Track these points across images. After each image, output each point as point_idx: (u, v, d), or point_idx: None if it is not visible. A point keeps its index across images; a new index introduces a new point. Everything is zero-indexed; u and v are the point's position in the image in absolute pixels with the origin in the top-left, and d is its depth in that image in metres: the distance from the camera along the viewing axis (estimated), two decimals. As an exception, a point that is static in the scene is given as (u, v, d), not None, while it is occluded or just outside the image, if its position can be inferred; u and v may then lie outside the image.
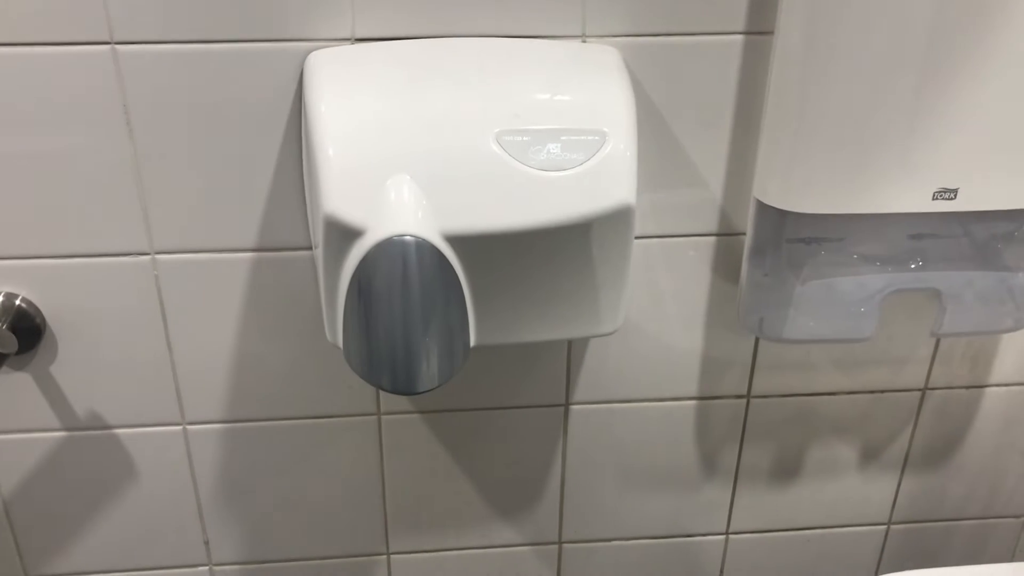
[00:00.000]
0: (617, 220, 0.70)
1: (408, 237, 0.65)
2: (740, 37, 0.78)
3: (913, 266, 0.84)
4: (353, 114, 0.68)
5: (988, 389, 0.99)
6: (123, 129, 0.76)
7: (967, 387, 0.99)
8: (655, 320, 0.90)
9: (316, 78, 0.71)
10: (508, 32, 0.75)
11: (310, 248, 0.82)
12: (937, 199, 0.77)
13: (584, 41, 0.76)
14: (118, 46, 0.73)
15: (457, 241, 0.67)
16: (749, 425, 0.98)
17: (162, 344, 0.85)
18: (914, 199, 0.77)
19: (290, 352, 0.87)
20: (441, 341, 0.69)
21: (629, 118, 0.70)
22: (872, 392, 0.97)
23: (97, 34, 0.72)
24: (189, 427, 0.90)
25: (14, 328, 0.81)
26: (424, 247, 0.66)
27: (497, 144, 0.67)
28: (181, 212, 0.79)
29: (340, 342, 0.72)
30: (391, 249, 0.66)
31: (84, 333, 0.84)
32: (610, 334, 0.78)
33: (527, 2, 0.74)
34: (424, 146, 0.67)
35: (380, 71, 0.72)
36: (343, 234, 0.66)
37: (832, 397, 0.97)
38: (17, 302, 0.82)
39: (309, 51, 0.74)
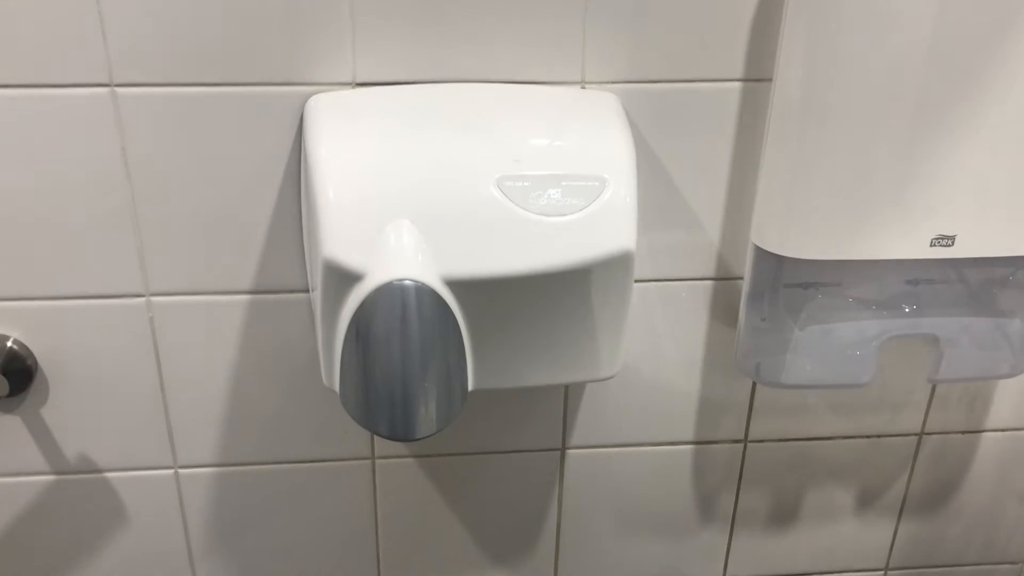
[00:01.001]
0: (617, 266, 0.69)
1: (408, 281, 0.65)
2: (738, 84, 0.78)
3: (909, 311, 0.84)
4: (353, 158, 0.68)
5: (985, 434, 0.99)
6: (121, 170, 0.75)
7: (964, 432, 0.98)
8: (652, 364, 0.89)
9: (317, 122, 0.71)
10: (508, 77, 0.76)
11: (307, 291, 0.82)
12: (935, 246, 0.77)
13: (583, 87, 0.77)
14: (118, 88, 0.73)
15: (457, 285, 0.67)
16: (746, 469, 0.97)
17: (155, 387, 0.84)
18: (912, 246, 0.77)
19: (284, 395, 0.86)
20: (440, 387, 0.68)
21: (629, 164, 0.70)
22: (869, 437, 0.97)
23: (97, 76, 0.72)
24: (181, 471, 0.89)
25: (5, 370, 0.80)
26: (424, 292, 0.65)
27: (497, 189, 0.67)
28: (177, 254, 0.79)
29: (337, 386, 0.72)
30: (390, 293, 0.65)
31: (76, 375, 0.83)
32: (608, 379, 0.77)
33: (527, 48, 0.75)
34: (424, 190, 0.67)
35: (381, 116, 0.72)
36: (342, 278, 0.66)
37: (829, 442, 0.97)
38: (9, 344, 0.81)
39: (310, 95, 0.74)
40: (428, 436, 0.68)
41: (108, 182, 0.76)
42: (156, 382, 0.84)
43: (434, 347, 0.67)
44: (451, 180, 0.68)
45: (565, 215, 0.67)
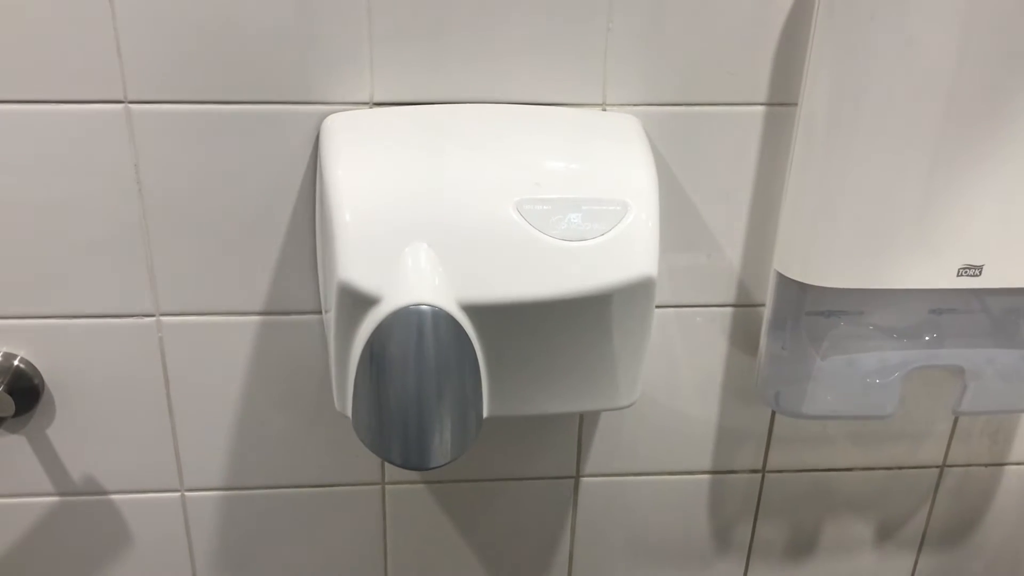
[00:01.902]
0: (638, 292, 0.68)
1: (424, 306, 0.64)
2: (762, 108, 0.77)
3: (932, 341, 0.82)
4: (371, 180, 0.67)
5: (1008, 467, 0.97)
6: (133, 187, 0.74)
7: (986, 465, 0.96)
8: (670, 392, 0.88)
9: (333, 142, 0.70)
10: (528, 99, 0.74)
11: (319, 312, 0.80)
12: (962, 275, 0.76)
13: (604, 109, 0.75)
14: (132, 105, 0.71)
15: (474, 311, 0.65)
16: (764, 500, 0.95)
17: (163, 408, 0.83)
18: (938, 275, 0.76)
19: (294, 418, 0.85)
20: (455, 415, 0.66)
21: (651, 188, 0.69)
22: (889, 468, 0.95)
23: (111, 93, 0.71)
24: (188, 494, 0.87)
25: (11, 389, 0.79)
26: (441, 316, 0.64)
27: (517, 213, 0.66)
28: (188, 273, 0.78)
29: (349, 411, 0.70)
30: (407, 318, 0.64)
31: (83, 395, 0.81)
32: (626, 407, 0.75)
33: (548, 69, 0.73)
34: (442, 213, 0.66)
35: (399, 136, 0.70)
36: (357, 301, 0.65)
37: (848, 473, 0.95)
38: (15, 362, 0.80)
39: (326, 114, 0.73)
40: (442, 465, 0.66)
41: (120, 199, 0.75)
42: (164, 404, 0.83)
43: (450, 373, 0.65)
44: (470, 203, 0.66)
45: (586, 240, 0.66)
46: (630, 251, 0.67)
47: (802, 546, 0.99)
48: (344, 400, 0.70)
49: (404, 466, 0.67)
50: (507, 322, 0.67)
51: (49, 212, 0.74)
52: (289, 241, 0.77)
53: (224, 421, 0.84)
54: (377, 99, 0.73)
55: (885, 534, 0.99)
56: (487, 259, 0.65)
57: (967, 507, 0.99)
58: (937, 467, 0.96)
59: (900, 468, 0.95)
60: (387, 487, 0.89)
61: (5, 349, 0.79)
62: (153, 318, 0.79)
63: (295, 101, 0.73)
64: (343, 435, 0.86)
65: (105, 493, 0.86)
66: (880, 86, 0.69)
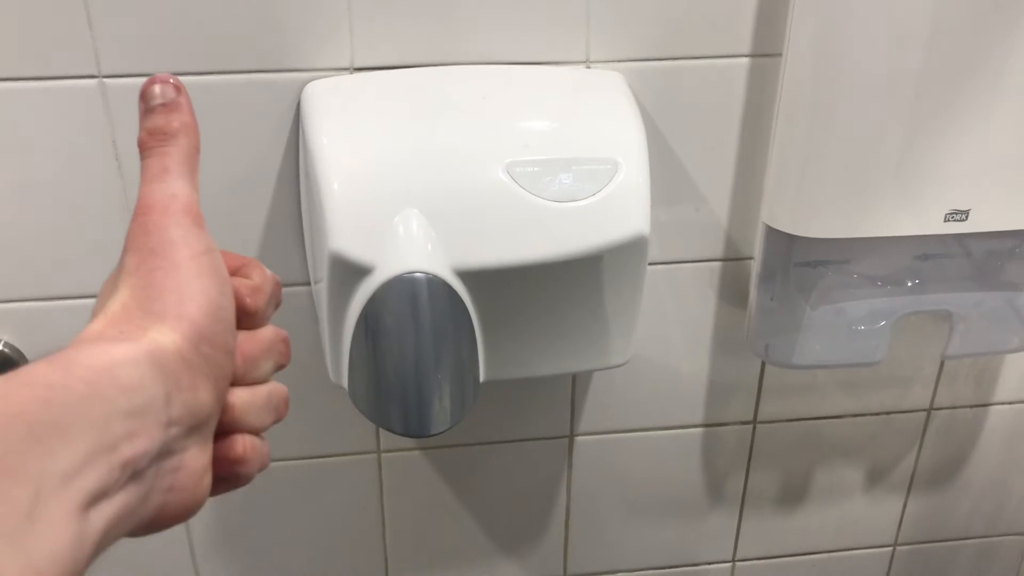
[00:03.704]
0: (631, 250, 0.68)
1: (419, 274, 0.63)
2: (746, 60, 0.76)
3: (919, 287, 0.83)
4: (357, 147, 0.66)
5: (992, 407, 0.98)
6: (112, 164, 0.73)
7: (972, 406, 0.98)
8: (660, 348, 0.88)
9: (316, 110, 0.69)
10: (511, 59, 0.73)
11: (307, 284, 0.80)
12: (948, 221, 0.76)
13: (588, 66, 0.75)
14: (106, 80, 0.70)
15: (468, 276, 0.65)
16: (755, 451, 0.96)
17: (153, 386, 0.82)
18: (926, 221, 0.76)
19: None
20: (453, 380, 0.66)
21: (640, 145, 0.68)
22: (878, 414, 0.96)
23: (84, 67, 0.69)
24: (181, 471, 0.86)
25: (-3, 375, 0.77)
26: (435, 283, 0.63)
27: (507, 175, 0.65)
28: (173, 250, 0.76)
29: (345, 383, 0.70)
30: (401, 286, 0.63)
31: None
32: (620, 366, 0.76)
33: (530, 28, 0.72)
34: (432, 179, 0.65)
35: (382, 102, 0.69)
36: (350, 272, 0.64)
37: (838, 420, 0.96)
38: (0, 347, 0.78)
39: (306, 82, 0.71)
40: (443, 431, 0.66)
41: (99, 176, 0.73)
42: (154, 381, 0.81)
43: (447, 340, 0.65)
44: (459, 167, 0.66)
45: (578, 200, 0.65)
46: (622, 210, 0.66)
47: (794, 494, 1.00)
48: (339, 371, 0.70)
49: (405, 434, 0.67)
50: (501, 286, 0.66)
51: (27, 193, 0.73)
52: (273, 214, 0.76)
53: (215, 397, 0.83)
54: (357, 64, 0.72)
55: (875, 479, 1.00)
56: (479, 223, 0.65)
57: (954, 448, 1.00)
58: (924, 411, 0.97)
59: (888, 413, 0.96)
60: (383, 455, 0.89)
61: (-12, 334, 0.78)
62: (138, 296, 0.78)
63: (273, 69, 0.71)
64: (336, 405, 0.85)
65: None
66: (863, 34, 0.69)
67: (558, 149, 0.67)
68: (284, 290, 0.79)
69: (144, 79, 0.69)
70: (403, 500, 0.92)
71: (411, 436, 0.66)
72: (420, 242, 0.64)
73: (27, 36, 0.67)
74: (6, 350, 0.78)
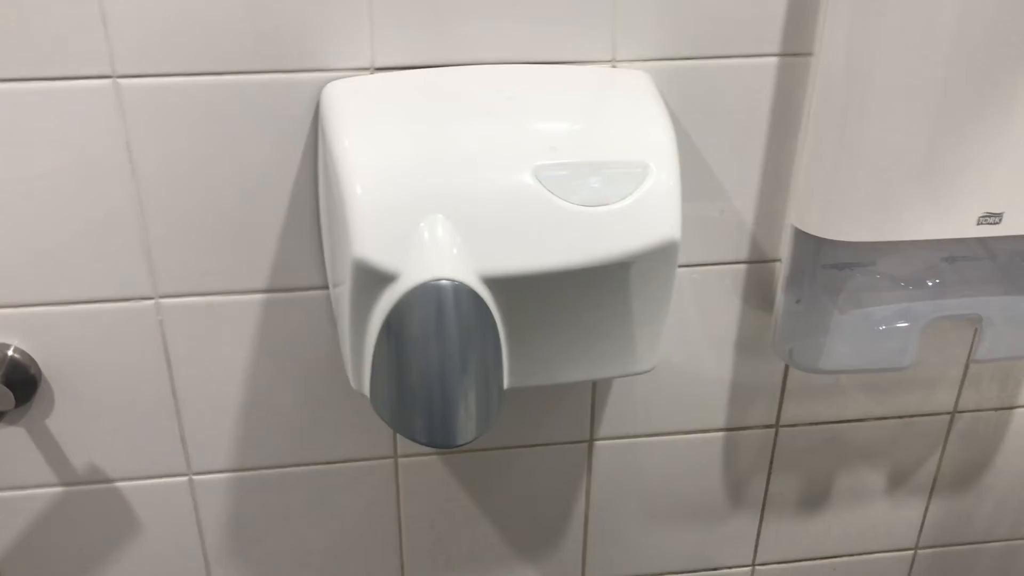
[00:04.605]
0: (661, 256, 0.66)
1: (444, 281, 0.61)
2: (775, 59, 0.74)
3: (945, 289, 0.81)
4: (380, 150, 0.64)
5: (1017, 410, 0.97)
6: (125, 167, 0.71)
7: (996, 409, 0.96)
8: (683, 352, 0.86)
9: (336, 111, 0.67)
10: (534, 58, 0.72)
11: (324, 288, 0.78)
12: (981, 224, 0.74)
13: (614, 66, 0.73)
14: (120, 80, 0.68)
15: (495, 283, 0.63)
16: (777, 454, 0.95)
17: (167, 392, 0.80)
18: (958, 225, 0.74)
19: (302, 396, 0.82)
20: (479, 390, 0.64)
21: (670, 148, 0.66)
22: (902, 417, 0.95)
23: (98, 68, 0.67)
24: (195, 477, 0.85)
25: (7, 381, 0.76)
26: (462, 291, 0.62)
27: (535, 179, 0.63)
28: (187, 253, 0.75)
29: (366, 390, 0.68)
30: (427, 294, 0.61)
31: (83, 383, 0.79)
32: (645, 373, 0.74)
33: (555, 26, 0.71)
34: (457, 183, 0.63)
35: (405, 103, 0.67)
36: (374, 278, 0.62)
37: (861, 423, 0.94)
38: (10, 353, 0.77)
39: (325, 82, 0.69)
40: (468, 443, 0.65)
41: (112, 179, 0.71)
42: (168, 387, 0.80)
43: (473, 349, 0.63)
44: (485, 171, 0.64)
45: (607, 205, 0.63)
46: (653, 214, 0.65)
47: (815, 498, 0.98)
48: (360, 378, 0.68)
49: (429, 444, 0.65)
50: (528, 292, 0.65)
51: (38, 195, 0.71)
52: (291, 216, 0.74)
53: (230, 402, 0.82)
54: (378, 64, 0.70)
55: (897, 482, 0.99)
56: (506, 229, 0.63)
57: (976, 451, 0.99)
58: (948, 413, 0.95)
59: (912, 416, 0.95)
60: (400, 460, 0.87)
61: (-2, 339, 0.76)
62: (152, 301, 0.76)
63: (292, 69, 0.69)
64: (353, 410, 0.84)
65: (110, 481, 0.84)
66: (898, 34, 0.67)
67: (586, 152, 0.65)
68: (301, 294, 0.78)
69: (160, 79, 0.68)
70: (420, 506, 0.90)
71: (436, 447, 0.65)
72: (446, 248, 0.62)
73: (40, 35, 0.65)
74: (16, 355, 0.77)
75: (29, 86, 0.67)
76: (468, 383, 0.63)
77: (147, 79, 0.68)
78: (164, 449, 0.83)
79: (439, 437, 0.64)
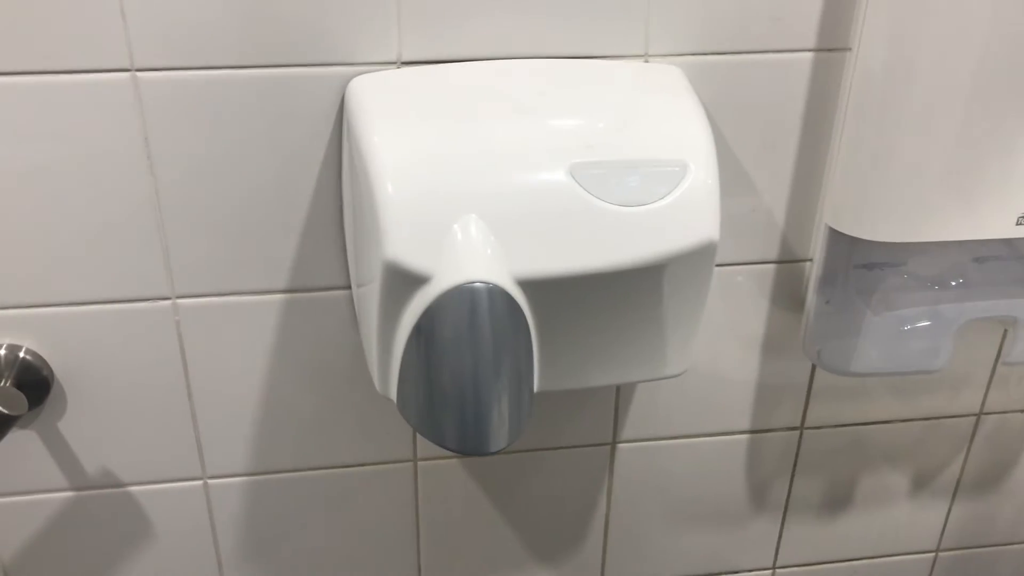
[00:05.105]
0: (699, 258, 0.64)
1: (479, 284, 0.59)
2: (810, 54, 0.72)
3: (974, 290, 0.80)
4: (411, 147, 0.62)
5: (1043, 412, 0.96)
6: (143, 162, 0.69)
7: (1023, 411, 0.95)
8: (709, 353, 0.84)
9: (364, 106, 0.64)
10: (565, 52, 0.69)
11: (346, 288, 0.76)
12: (1021, 224, 0.73)
13: (646, 61, 0.71)
14: (139, 73, 0.65)
15: (529, 285, 0.61)
16: (801, 456, 0.93)
17: (183, 394, 0.78)
18: (998, 224, 0.72)
19: (321, 398, 0.80)
20: (512, 396, 0.62)
21: (708, 145, 0.64)
22: (928, 419, 0.93)
23: (116, 61, 0.65)
24: (210, 481, 0.83)
25: (19, 383, 0.73)
26: (496, 294, 0.60)
27: (571, 178, 0.61)
28: (206, 253, 0.72)
29: (393, 394, 0.66)
30: (460, 297, 0.59)
31: (96, 386, 0.76)
32: (676, 377, 0.72)
33: (587, 20, 0.68)
34: (491, 182, 0.61)
35: (434, 98, 0.65)
36: (406, 281, 0.60)
37: (886, 425, 0.93)
38: (21, 354, 0.74)
39: (350, 76, 0.67)
40: (501, 450, 0.63)
41: (129, 175, 0.69)
42: (183, 389, 0.78)
43: (507, 354, 0.61)
44: (519, 169, 0.62)
45: (646, 204, 0.62)
46: (692, 214, 0.63)
47: (837, 500, 0.97)
48: (387, 382, 0.66)
49: (461, 452, 0.63)
50: (561, 294, 0.63)
51: (52, 191, 0.68)
52: (313, 214, 0.72)
53: (247, 404, 0.79)
54: (405, 58, 0.68)
55: (920, 484, 0.98)
56: (541, 229, 0.61)
57: (1002, 453, 0.97)
58: (974, 415, 0.94)
59: (938, 418, 0.93)
60: (419, 463, 0.85)
61: (8, 341, 0.74)
62: (169, 301, 0.74)
63: (316, 63, 0.67)
64: (373, 413, 0.81)
65: (123, 485, 0.81)
66: (942, 28, 0.65)
67: (623, 150, 0.63)
68: (322, 294, 0.76)
69: (180, 73, 0.66)
70: (438, 509, 0.88)
71: (467, 454, 0.63)
72: (480, 249, 0.60)
73: (56, 27, 0.63)
74: (28, 357, 0.74)
75: (43, 80, 0.65)
76: (501, 389, 0.62)
77: (166, 72, 0.66)
78: (178, 452, 0.81)
79: (471, 444, 0.62)
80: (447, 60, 0.68)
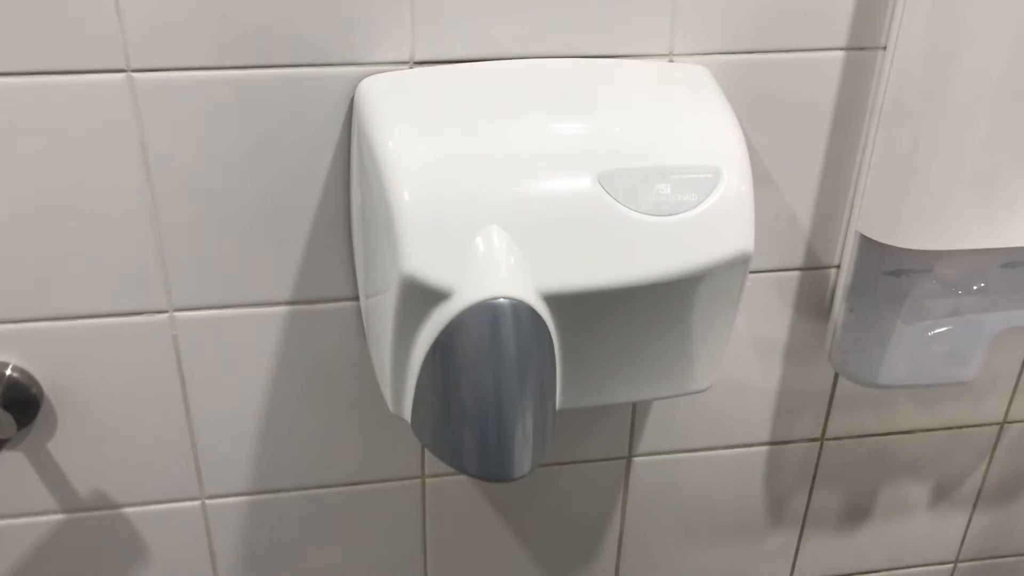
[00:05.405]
0: (732, 269, 0.61)
1: (503, 300, 0.55)
2: (841, 53, 0.69)
3: (1006, 298, 0.77)
4: (428, 152, 0.58)
5: (1067, 420, 0.93)
6: (139, 168, 0.64)
7: (1047, 419, 0.92)
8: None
9: (376, 109, 0.61)
10: (586, 52, 0.66)
11: (353, 299, 0.72)
12: (1061, 230, 0.70)
13: (671, 60, 0.67)
14: (135, 74, 0.61)
15: (555, 300, 0.57)
16: (821, 468, 0.90)
17: (180, 412, 0.74)
18: (1038, 231, 0.70)
19: (325, 414, 0.77)
20: (536, 418, 0.59)
21: (741, 150, 0.61)
22: (950, 428, 0.90)
23: (110, 60, 0.61)
24: (208, 501, 0.79)
25: (6, 403, 0.69)
26: (522, 310, 0.56)
27: (599, 186, 0.58)
28: (205, 263, 0.68)
29: (408, 415, 0.62)
30: (483, 314, 0.55)
31: (88, 404, 0.72)
32: (702, 392, 0.69)
33: (610, 17, 0.65)
34: (515, 190, 0.57)
35: (451, 100, 0.61)
36: (425, 296, 0.56)
37: (908, 436, 0.90)
38: (8, 371, 0.70)
39: (360, 77, 0.63)
40: (524, 476, 0.59)
41: (124, 182, 0.65)
42: (181, 407, 0.74)
43: (531, 373, 0.58)
44: (544, 177, 0.58)
45: (678, 214, 0.58)
46: (725, 224, 0.59)
47: (856, 512, 0.94)
48: (401, 402, 0.62)
49: (482, 478, 0.59)
50: (588, 309, 0.59)
51: (42, 199, 0.64)
52: (319, 222, 0.68)
53: (248, 422, 0.75)
54: (419, 58, 0.64)
55: (941, 494, 0.95)
56: (569, 241, 0.57)
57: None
58: (998, 424, 0.91)
59: (961, 427, 0.90)
60: (427, 480, 0.82)
61: (-5, 357, 0.70)
62: (166, 314, 0.70)
63: (324, 63, 0.63)
64: (379, 428, 0.78)
65: (116, 507, 0.77)
66: (986, 26, 0.62)
67: (653, 155, 0.59)
68: (327, 305, 0.72)
69: (178, 74, 0.62)
70: (447, 528, 0.85)
71: (489, 480, 0.59)
72: (504, 263, 0.56)
73: (48, 25, 0.59)
74: (15, 374, 0.70)
75: (32, 80, 0.60)
76: (525, 411, 0.58)
77: (164, 73, 0.62)
78: (175, 472, 0.77)
79: (494, 470, 0.59)
80: (463, 60, 0.64)
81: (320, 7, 0.61)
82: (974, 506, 0.96)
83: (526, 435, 0.58)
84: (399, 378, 0.61)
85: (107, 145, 0.63)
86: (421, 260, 0.56)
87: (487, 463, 0.58)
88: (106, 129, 0.62)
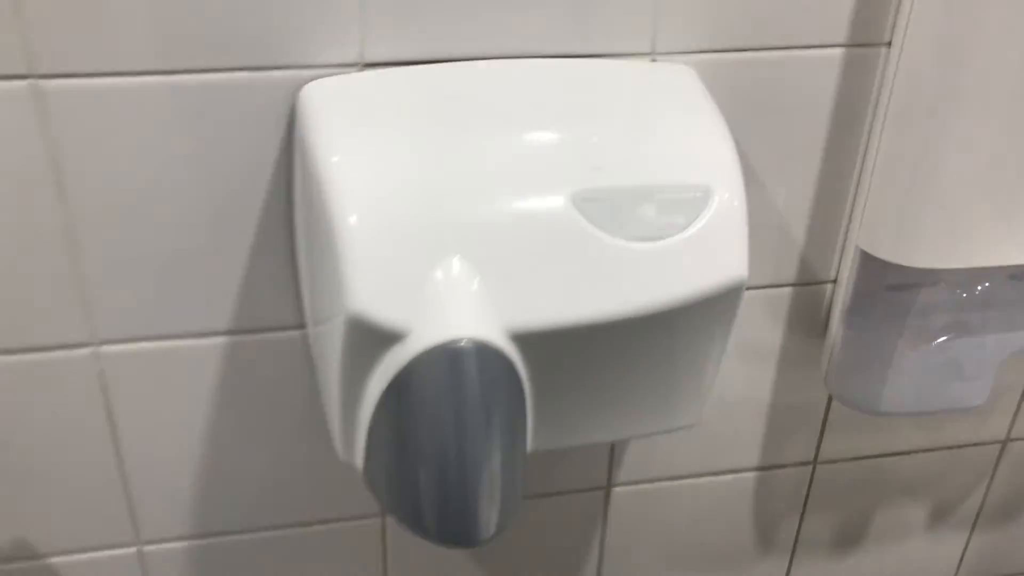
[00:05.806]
0: (725, 299, 0.54)
1: (465, 342, 0.48)
2: (840, 51, 0.62)
3: (1015, 316, 0.71)
4: (378, 169, 0.50)
5: (1072, 437, 0.87)
6: (50, 187, 0.56)
7: (1051, 436, 0.87)
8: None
9: (319, 118, 0.53)
10: (559, 51, 0.58)
11: (300, 327, 0.64)
12: (1079, 245, 0.64)
13: (653, 60, 0.60)
14: (41, 80, 0.53)
15: (524, 339, 0.50)
16: (813, 493, 0.84)
17: (109, 452, 0.66)
18: (1054, 247, 0.63)
19: (272, 450, 0.69)
20: (505, 473, 0.52)
21: (733, 164, 0.54)
22: (950, 448, 0.84)
23: (11, 65, 0.53)
24: (145, 548, 0.71)
25: (-91, 447, 0.61)
26: (486, 353, 0.49)
27: (574, 208, 0.50)
28: (131, 291, 0.61)
29: (359, 463, 0.55)
30: (442, 358, 0.48)
31: (5, 446, 0.65)
32: (688, 428, 0.62)
33: (584, 12, 0.57)
34: (478, 213, 0.50)
35: (406, 108, 0.54)
36: (375, 338, 0.49)
37: (906, 456, 0.84)
38: (-88, 412, 0.62)
39: (304, 81, 0.56)
40: (491, 539, 0.52)
41: (34, 203, 0.57)
42: (110, 447, 0.66)
43: (498, 423, 0.51)
44: (511, 198, 0.51)
45: (663, 238, 0.51)
46: (718, 248, 0.53)
47: (850, 536, 0.88)
48: (351, 449, 0.55)
49: (442, 543, 0.53)
50: (563, 347, 0.52)
51: (-62, 225, 0.56)
52: (259, 243, 0.61)
53: (187, 462, 0.68)
54: (368, 59, 0.56)
55: (938, 516, 0.89)
56: (541, 272, 0.50)
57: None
58: (1000, 442, 0.86)
59: (961, 447, 0.85)
60: (388, 519, 0.75)
61: None
62: (89, 348, 0.62)
63: (260, 67, 0.55)
64: (332, 464, 0.69)
65: (41, 557, 0.70)
66: (1006, 19, 0.55)
67: (635, 172, 0.52)
68: (271, 335, 0.65)
69: (92, 80, 0.54)
70: (410, 568, 0.78)
71: (452, 545, 0.52)
72: (466, 299, 0.49)
73: (-69, 25, 0.51)
74: (-80, 416, 0.62)
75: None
76: (492, 466, 0.51)
77: (76, 80, 0.54)
78: (107, 517, 0.69)
79: (456, 533, 0.52)
80: (419, 61, 0.57)
81: (255, 5, 0.53)
82: (973, 526, 0.91)
83: (492, 494, 0.51)
84: (349, 425, 0.54)
85: (11, 161, 0.55)
86: (370, 297, 0.48)
87: (447, 525, 0.52)
88: (9, 144, 0.55)
